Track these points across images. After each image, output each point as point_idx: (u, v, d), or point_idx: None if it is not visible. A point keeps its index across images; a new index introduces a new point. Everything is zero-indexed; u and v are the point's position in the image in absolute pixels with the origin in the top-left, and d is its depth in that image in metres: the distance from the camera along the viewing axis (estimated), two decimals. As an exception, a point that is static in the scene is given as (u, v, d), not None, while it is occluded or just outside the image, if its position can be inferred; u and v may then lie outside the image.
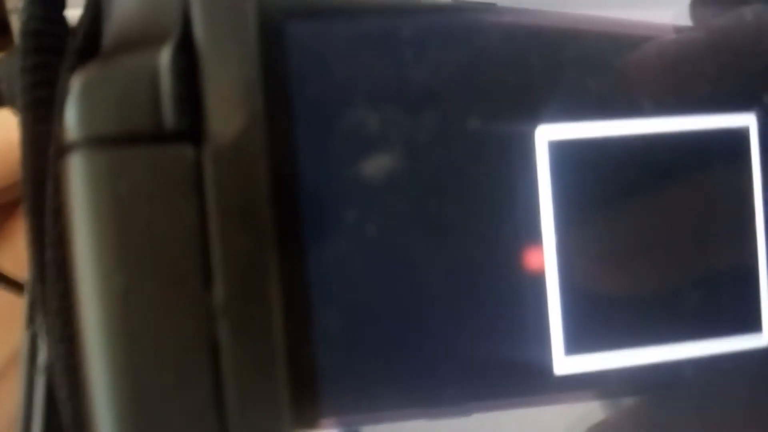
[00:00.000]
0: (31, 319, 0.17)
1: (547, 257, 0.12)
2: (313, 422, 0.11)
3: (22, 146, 0.14)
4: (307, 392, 0.11)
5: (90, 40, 0.14)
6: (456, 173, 0.12)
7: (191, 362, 0.10)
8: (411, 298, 0.11)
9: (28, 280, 0.18)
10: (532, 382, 0.12)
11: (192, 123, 0.11)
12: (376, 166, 0.11)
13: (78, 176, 0.10)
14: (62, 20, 0.15)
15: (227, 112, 0.11)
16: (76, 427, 0.15)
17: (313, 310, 0.11)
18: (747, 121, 0.12)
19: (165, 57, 0.11)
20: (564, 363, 0.12)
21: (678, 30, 0.12)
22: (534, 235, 0.12)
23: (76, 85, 0.11)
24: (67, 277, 0.14)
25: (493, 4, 0.12)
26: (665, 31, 0.12)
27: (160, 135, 0.10)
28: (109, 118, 0.10)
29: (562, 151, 0.12)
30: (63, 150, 0.11)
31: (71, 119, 0.11)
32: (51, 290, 0.15)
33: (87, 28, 0.14)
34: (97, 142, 0.10)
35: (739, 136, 0.12)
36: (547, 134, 0.12)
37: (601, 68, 0.12)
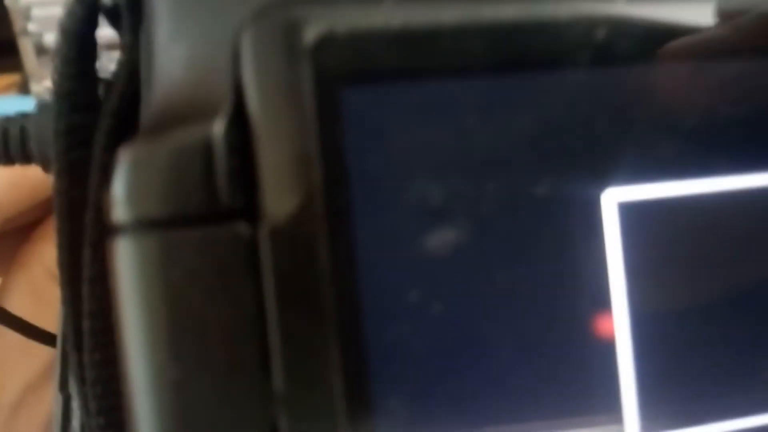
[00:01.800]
0: (64, 382, 0.17)
1: (618, 325, 0.11)
2: None
3: (57, 212, 0.14)
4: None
5: (126, 101, 0.14)
6: (523, 242, 0.11)
7: (250, 457, 0.10)
8: (479, 377, 0.11)
9: (61, 345, 0.17)
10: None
11: (247, 201, 0.10)
12: (440, 239, 0.11)
13: (129, 261, 0.10)
14: (94, 77, 0.14)
15: (284, 187, 0.10)
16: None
17: (376, 399, 0.10)
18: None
19: (218, 130, 0.10)
20: (639, 439, 0.11)
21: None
22: (605, 302, 0.11)
23: (123, 161, 0.10)
24: (105, 347, 0.14)
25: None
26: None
27: (214, 214, 0.10)
28: (159, 198, 0.10)
29: (632, 213, 0.11)
30: (111, 230, 0.10)
31: (120, 199, 0.10)
32: (89, 360, 0.14)
33: (123, 89, 0.14)
34: (147, 224, 0.10)
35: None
36: (615, 197, 0.11)
37: (668, 128, 0.11)
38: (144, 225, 0.10)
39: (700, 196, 0.11)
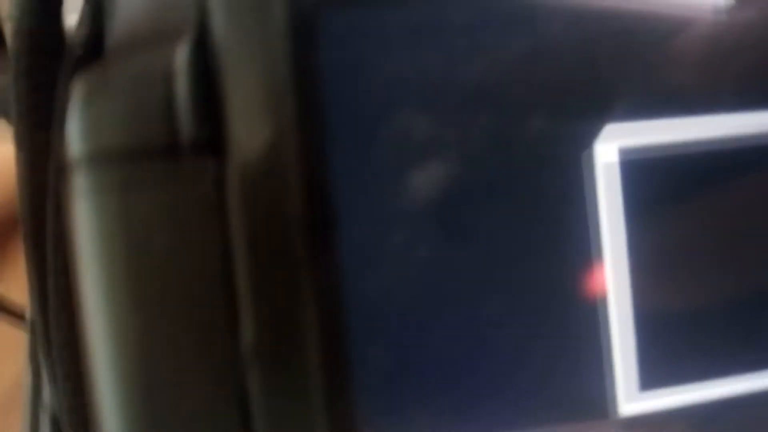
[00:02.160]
0: (34, 353, 0.16)
1: (612, 280, 0.10)
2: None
3: (18, 160, 0.13)
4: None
5: (91, 41, 0.13)
6: (509, 188, 0.10)
7: (216, 414, 0.09)
8: (460, 331, 0.10)
9: (30, 311, 0.16)
10: (597, 416, 0.10)
11: (213, 132, 0.09)
12: (423, 179, 0.10)
13: (84, 199, 0.09)
14: (59, 18, 0.13)
15: (254, 118, 0.09)
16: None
17: (354, 351, 0.09)
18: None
19: (181, 57, 0.09)
20: (637, 398, 0.10)
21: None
22: (597, 257, 0.10)
23: (79, 92, 0.09)
24: (72, 307, 0.13)
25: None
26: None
27: (176, 147, 0.09)
28: (118, 129, 0.09)
29: (624, 168, 0.10)
30: (66, 168, 0.09)
31: (74, 133, 0.09)
32: (55, 322, 0.13)
33: (88, 27, 0.13)
34: (104, 158, 0.09)
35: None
36: (605, 154, 0.10)
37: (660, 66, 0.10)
38: (101, 159, 0.09)
39: (688, 147, 0.10)
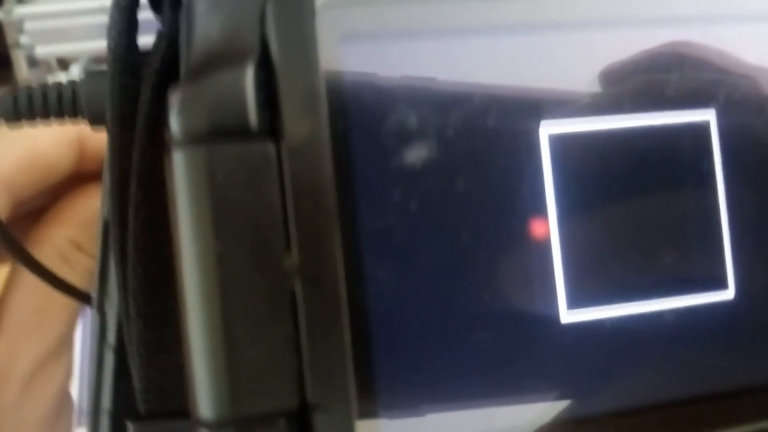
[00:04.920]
0: (101, 304, 0.20)
1: (551, 227, 0.15)
2: (369, 357, 0.14)
3: (111, 153, 0.17)
4: (364, 337, 0.14)
5: (167, 64, 0.17)
6: (477, 161, 0.14)
7: (274, 312, 0.13)
8: (443, 260, 0.14)
9: (99, 270, 0.20)
10: (541, 331, 0.15)
11: (272, 125, 0.13)
12: (415, 156, 0.14)
13: (182, 167, 0.13)
14: (138, 48, 0.18)
15: (298, 116, 0.13)
16: (149, 396, 0.18)
17: (367, 269, 0.14)
18: (707, 116, 0.15)
19: (249, 72, 0.13)
20: (567, 315, 0.15)
21: None
22: (542, 210, 0.15)
23: (177, 96, 0.14)
24: (146, 261, 0.17)
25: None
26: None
27: (247, 134, 0.13)
28: (206, 122, 0.13)
29: (559, 142, 0.15)
30: (169, 148, 0.13)
31: (175, 123, 0.13)
32: (132, 272, 0.17)
33: (164, 54, 0.17)
34: (198, 139, 0.13)
35: (701, 128, 0.15)
36: (548, 128, 0.15)
37: (588, 76, 0.15)
38: (196, 140, 0.13)
39: (609, 130, 0.15)
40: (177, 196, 0.13)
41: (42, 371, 0.24)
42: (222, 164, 0.13)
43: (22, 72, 0.67)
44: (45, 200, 0.24)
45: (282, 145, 0.13)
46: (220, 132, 0.13)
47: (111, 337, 0.20)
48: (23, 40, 0.63)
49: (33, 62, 0.66)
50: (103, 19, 0.18)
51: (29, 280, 0.22)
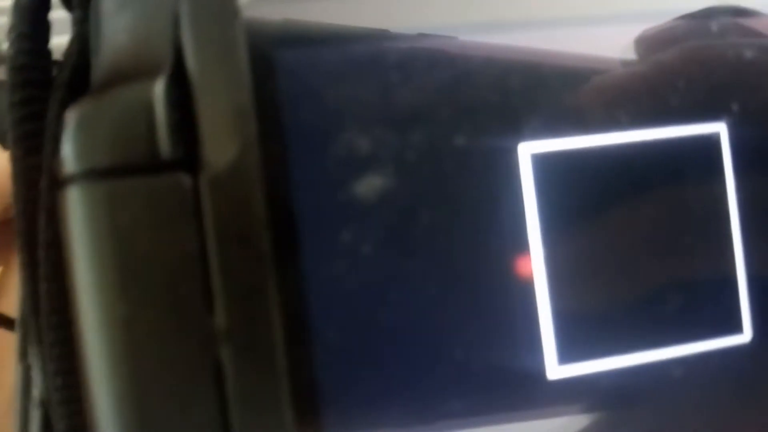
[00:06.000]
0: (24, 353, 0.17)
1: (535, 266, 0.12)
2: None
3: (14, 180, 0.14)
4: (310, 411, 0.11)
5: (78, 73, 0.15)
6: (444, 190, 0.12)
7: (195, 387, 0.11)
8: (406, 311, 0.12)
9: (20, 313, 0.18)
10: (526, 388, 0.12)
11: (187, 152, 0.11)
12: (368, 186, 0.12)
13: (77, 208, 0.11)
14: (48, 54, 0.15)
15: (221, 139, 0.11)
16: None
17: (313, 330, 0.11)
18: (718, 128, 0.13)
19: (159, 88, 0.11)
20: (557, 371, 0.12)
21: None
22: (523, 245, 0.12)
23: (71, 119, 0.11)
24: (62, 309, 0.14)
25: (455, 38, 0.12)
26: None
27: (156, 165, 0.11)
28: (106, 150, 0.11)
29: (544, 163, 0.12)
30: (61, 183, 0.11)
31: (68, 153, 0.11)
32: (46, 323, 0.15)
33: (74, 61, 0.14)
34: (95, 174, 0.11)
35: (712, 143, 0.13)
36: (529, 149, 0.12)
37: (576, 90, 0.13)
38: (92, 175, 0.11)
39: (603, 148, 0.13)
40: (71, 244, 0.11)
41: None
42: (126, 204, 0.11)
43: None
44: None
45: (201, 176, 0.11)
46: (123, 164, 0.11)
47: (36, 392, 0.17)
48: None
49: (2, 59, 0.63)
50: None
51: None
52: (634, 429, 0.13)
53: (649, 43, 0.13)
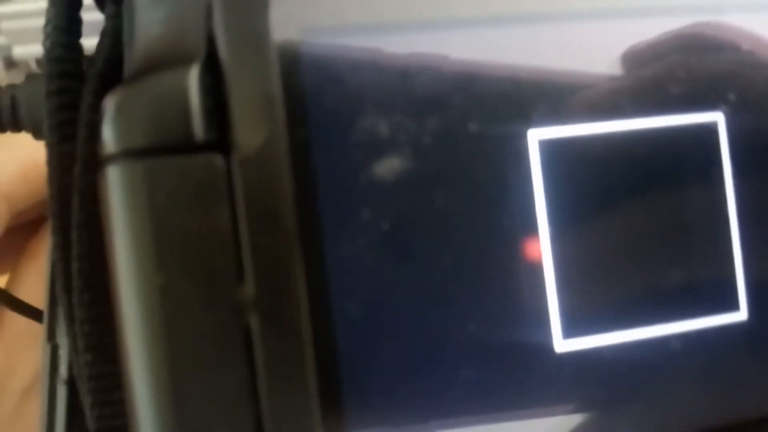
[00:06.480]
0: (51, 333, 0.18)
1: (543, 247, 0.13)
2: (337, 401, 0.12)
3: (49, 165, 0.15)
4: (333, 378, 0.12)
5: (110, 65, 0.15)
6: (458, 172, 0.13)
7: (226, 352, 0.11)
8: (422, 285, 0.12)
9: (48, 297, 0.19)
10: (535, 359, 0.13)
11: (220, 135, 0.12)
12: (386, 168, 0.12)
13: (117, 185, 0.11)
14: (80, 48, 0.16)
15: (251, 123, 0.12)
16: (101, 432, 0.16)
17: (334, 300, 0.12)
18: (715, 117, 0.14)
19: (193, 75, 0.12)
20: (562, 344, 0.13)
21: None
22: (531, 227, 0.13)
23: (111, 103, 0.12)
24: (93, 287, 0.15)
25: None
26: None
27: (191, 146, 0.11)
28: (144, 132, 0.11)
29: (550, 149, 0.13)
30: (101, 162, 0.12)
31: (108, 134, 0.12)
32: (78, 300, 0.15)
33: (107, 54, 0.15)
34: (134, 154, 0.11)
35: (709, 131, 0.14)
36: (537, 135, 0.13)
37: (582, 73, 0.13)
38: (131, 154, 0.11)
39: (608, 135, 0.13)
40: (111, 220, 0.12)
41: (39, 384, 0.23)
42: (163, 182, 0.11)
43: (-1, 74, 0.65)
44: (45, 209, 0.23)
45: (233, 158, 0.12)
46: (160, 144, 0.11)
47: (63, 369, 0.18)
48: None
49: (11, 63, 0.64)
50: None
51: (25, 297, 0.22)
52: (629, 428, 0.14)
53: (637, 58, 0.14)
